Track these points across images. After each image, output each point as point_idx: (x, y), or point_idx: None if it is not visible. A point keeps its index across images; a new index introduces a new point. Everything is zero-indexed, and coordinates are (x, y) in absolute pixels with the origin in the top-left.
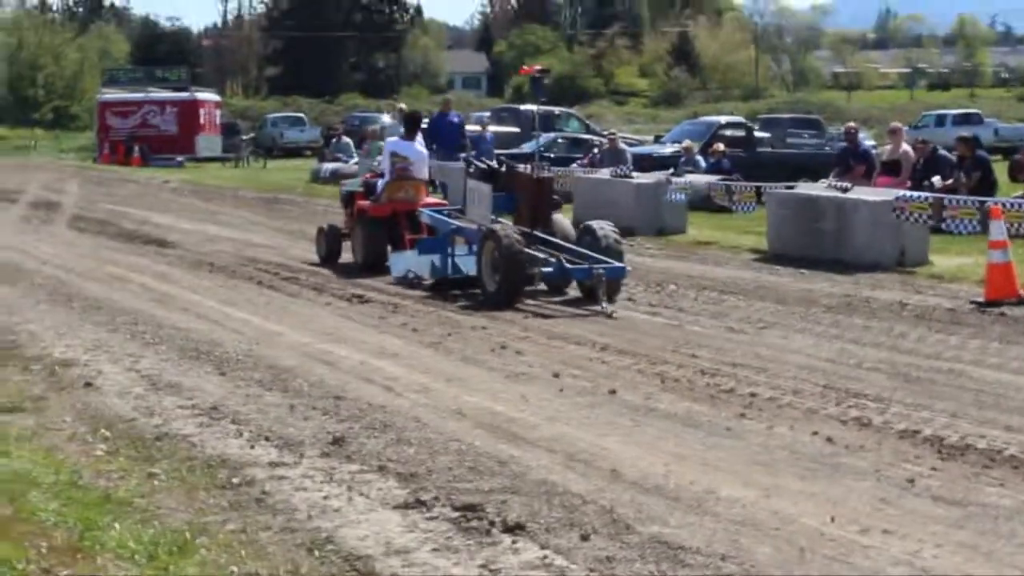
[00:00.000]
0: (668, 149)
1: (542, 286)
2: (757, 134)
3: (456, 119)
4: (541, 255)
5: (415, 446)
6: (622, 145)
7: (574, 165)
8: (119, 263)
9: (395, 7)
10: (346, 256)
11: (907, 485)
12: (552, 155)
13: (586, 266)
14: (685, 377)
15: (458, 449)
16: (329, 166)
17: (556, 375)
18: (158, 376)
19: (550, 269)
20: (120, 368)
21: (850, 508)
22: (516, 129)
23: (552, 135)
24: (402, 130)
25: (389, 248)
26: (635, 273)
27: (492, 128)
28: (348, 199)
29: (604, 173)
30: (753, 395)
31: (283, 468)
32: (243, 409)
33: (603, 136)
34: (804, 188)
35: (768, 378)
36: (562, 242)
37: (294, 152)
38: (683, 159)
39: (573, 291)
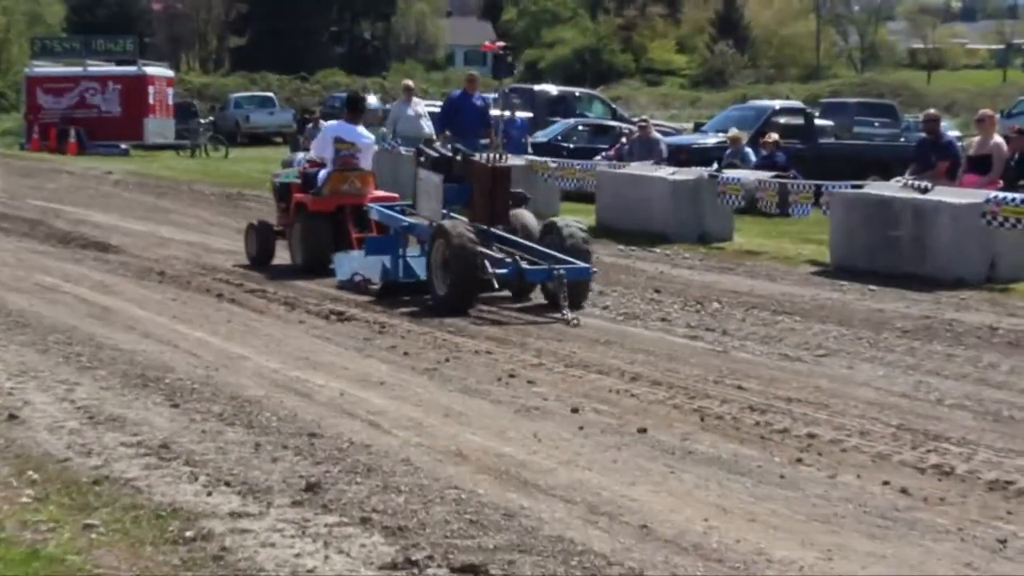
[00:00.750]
0: (711, 139)
1: (506, 291)
2: (818, 122)
3: (480, 101)
4: (497, 255)
5: (405, 494)
6: (655, 134)
7: (598, 157)
8: (51, 271)
9: None
10: (283, 257)
11: (997, 547)
12: (571, 145)
13: (546, 267)
14: (730, 414)
15: (457, 498)
16: (303, 156)
17: (575, 410)
18: (97, 408)
19: (505, 270)
20: (51, 397)
21: (929, 574)
22: (529, 114)
23: (571, 121)
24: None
25: (334, 247)
26: (671, 289)
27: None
28: (283, 192)
29: (634, 167)
30: (812, 436)
31: (246, 519)
32: (199, 448)
33: (632, 123)
34: (874, 188)
35: (830, 416)
36: (523, 240)
37: (262, 139)
38: (729, 151)
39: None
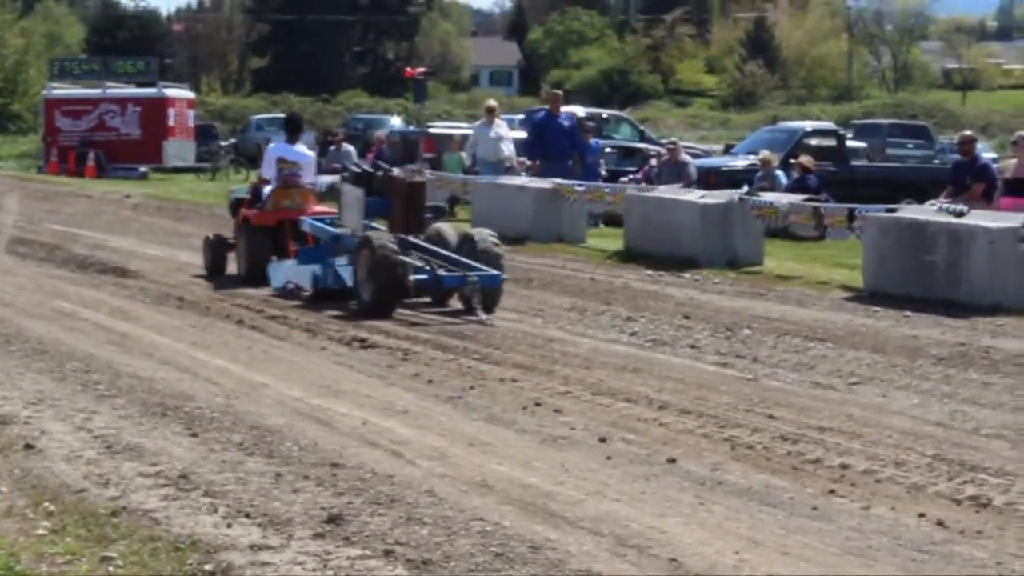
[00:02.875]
0: (741, 162)
1: (427, 298)
2: (850, 144)
3: (568, 121)
4: (417, 263)
5: (429, 526)
6: (685, 156)
7: (625, 180)
8: (68, 297)
9: None
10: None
11: None
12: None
13: (460, 274)
14: (761, 443)
15: (482, 530)
16: (327, 179)
17: (603, 439)
18: (115, 437)
19: (424, 276)
20: (68, 427)
21: None
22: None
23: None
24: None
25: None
26: (700, 315)
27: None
28: (236, 207)
29: (662, 190)
30: (845, 467)
31: (267, 552)
32: (218, 478)
33: (661, 145)
34: (908, 211)
35: (864, 446)
36: (439, 249)
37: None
38: (759, 174)
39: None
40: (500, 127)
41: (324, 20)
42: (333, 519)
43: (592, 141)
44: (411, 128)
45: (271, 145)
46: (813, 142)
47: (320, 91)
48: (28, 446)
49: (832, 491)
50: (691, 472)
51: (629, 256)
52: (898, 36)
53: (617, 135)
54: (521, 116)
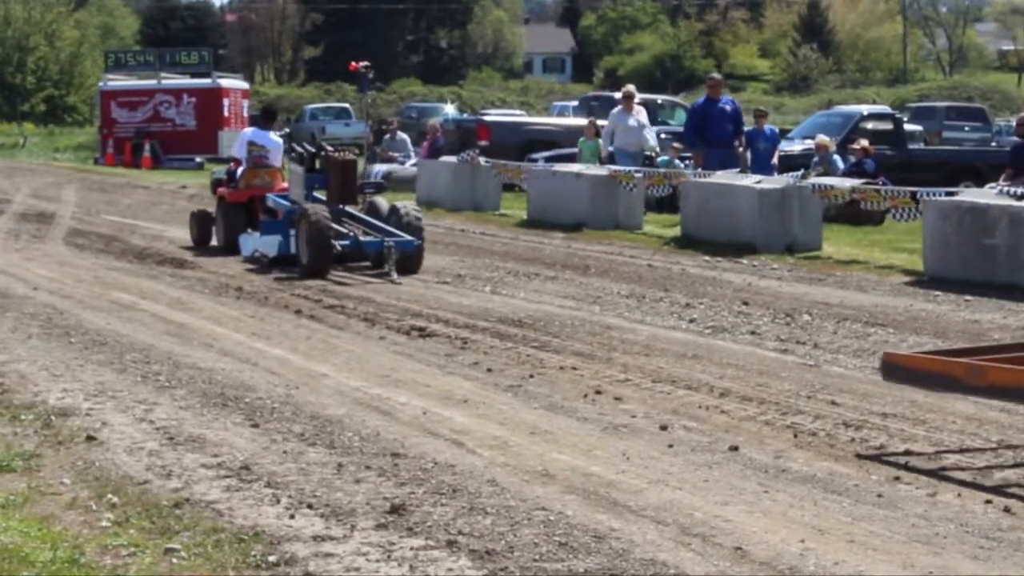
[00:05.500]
0: (797, 146)
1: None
2: (907, 127)
3: (729, 106)
4: (343, 230)
5: (492, 516)
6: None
7: (681, 166)
8: (127, 288)
9: None
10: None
11: None
12: (653, 154)
13: (379, 239)
14: (824, 430)
15: (545, 520)
16: (381, 168)
17: (664, 427)
18: (176, 428)
19: (347, 242)
20: (129, 418)
21: None
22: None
23: (655, 129)
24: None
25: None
26: (759, 301)
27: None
28: (216, 186)
29: (719, 176)
30: (909, 453)
31: (330, 543)
32: (280, 469)
33: None
34: (968, 195)
35: (928, 432)
36: (368, 218)
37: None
38: (816, 159)
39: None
40: (640, 114)
41: (377, 8)
42: (395, 509)
43: (766, 127)
44: (465, 116)
45: (244, 130)
46: (869, 126)
47: (374, 80)
48: (90, 438)
49: (897, 478)
50: (754, 460)
51: (686, 242)
52: (953, 18)
53: (672, 121)
54: (575, 103)
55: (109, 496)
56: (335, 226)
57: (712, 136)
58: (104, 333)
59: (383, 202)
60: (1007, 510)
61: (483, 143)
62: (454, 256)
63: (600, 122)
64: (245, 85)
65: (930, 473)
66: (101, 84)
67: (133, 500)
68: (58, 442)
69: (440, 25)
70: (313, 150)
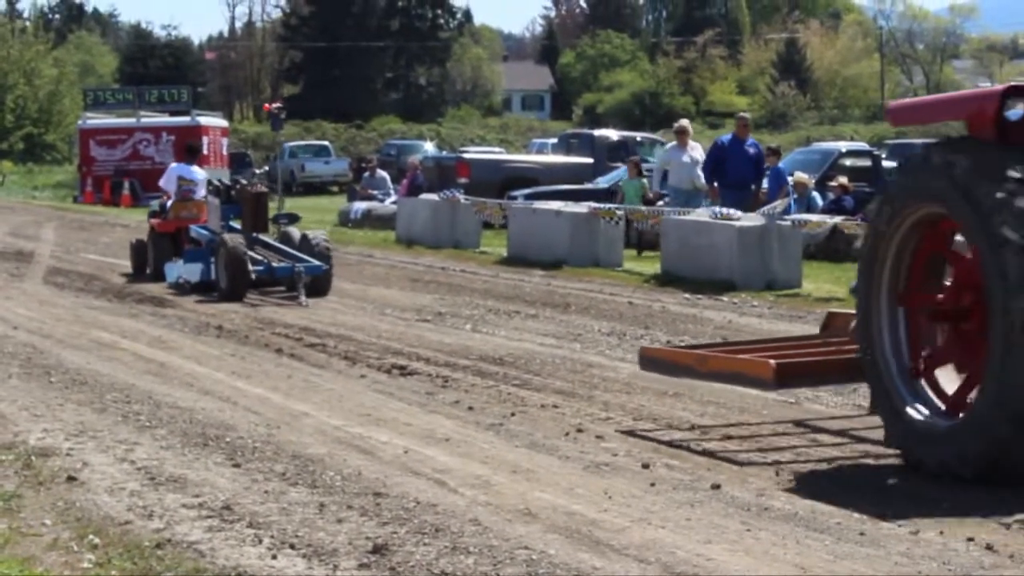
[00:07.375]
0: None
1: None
2: (885, 164)
3: (753, 149)
4: (258, 257)
5: (474, 555)
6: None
7: (660, 203)
8: (107, 327)
9: (440, 11)
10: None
11: None
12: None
13: (290, 265)
14: (806, 468)
15: (527, 559)
16: (361, 206)
17: (646, 465)
18: (157, 468)
19: (261, 268)
20: (110, 458)
21: None
22: (588, 160)
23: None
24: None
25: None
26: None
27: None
28: (152, 217)
29: (698, 213)
30: (893, 489)
31: None
32: (262, 509)
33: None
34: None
35: (909, 469)
36: (280, 245)
37: (317, 188)
38: (794, 197)
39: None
40: (694, 150)
41: (356, 46)
42: (378, 549)
43: (777, 166)
44: (445, 153)
45: (172, 165)
46: (848, 163)
47: (353, 118)
48: (71, 478)
49: (880, 515)
50: (736, 498)
51: (666, 280)
52: (930, 55)
53: (651, 158)
54: (554, 140)
55: (91, 537)
56: (250, 253)
57: (732, 177)
58: (84, 372)
59: (295, 231)
60: (989, 548)
61: (463, 180)
62: (434, 294)
63: (646, 165)
64: (224, 123)
65: (913, 511)
66: (80, 122)
67: (115, 541)
68: (39, 482)
69: (419, 63)
70: (228, 184)
